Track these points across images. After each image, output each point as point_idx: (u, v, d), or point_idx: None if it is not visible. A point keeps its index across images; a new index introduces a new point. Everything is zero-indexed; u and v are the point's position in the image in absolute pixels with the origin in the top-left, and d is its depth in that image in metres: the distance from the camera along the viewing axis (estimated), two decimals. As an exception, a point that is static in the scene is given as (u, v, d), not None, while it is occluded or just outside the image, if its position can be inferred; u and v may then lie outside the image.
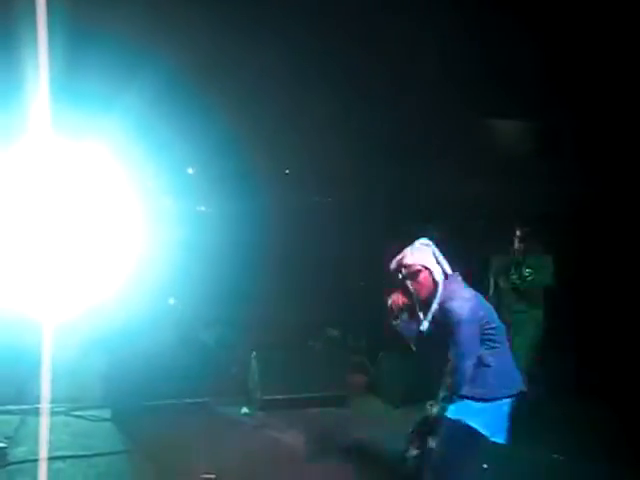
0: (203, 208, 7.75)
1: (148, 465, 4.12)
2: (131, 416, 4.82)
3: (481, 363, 3.13)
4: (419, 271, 3.22)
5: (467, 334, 3.09)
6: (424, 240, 3.34)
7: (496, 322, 3.21)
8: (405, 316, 3.42)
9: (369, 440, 4.80)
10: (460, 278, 3.27)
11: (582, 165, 6.41)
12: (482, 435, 3.09)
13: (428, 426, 3.24)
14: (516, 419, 3.26)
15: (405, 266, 3.23)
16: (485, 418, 3.10)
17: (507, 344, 3.27)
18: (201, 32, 5.49)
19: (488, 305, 3.30)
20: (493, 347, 3.15)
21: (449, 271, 3.26)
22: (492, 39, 5.85)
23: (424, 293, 3.22)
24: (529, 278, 5.14)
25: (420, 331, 3.32)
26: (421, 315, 3.30)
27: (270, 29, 5.78)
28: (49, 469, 3.79)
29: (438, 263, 3.26)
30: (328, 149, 6.92)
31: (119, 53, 5.23)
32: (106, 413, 4.88)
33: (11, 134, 5.00)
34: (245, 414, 5.12)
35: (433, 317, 3.26)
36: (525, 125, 7.40)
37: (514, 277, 5.18)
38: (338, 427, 5.02)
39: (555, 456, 4.57)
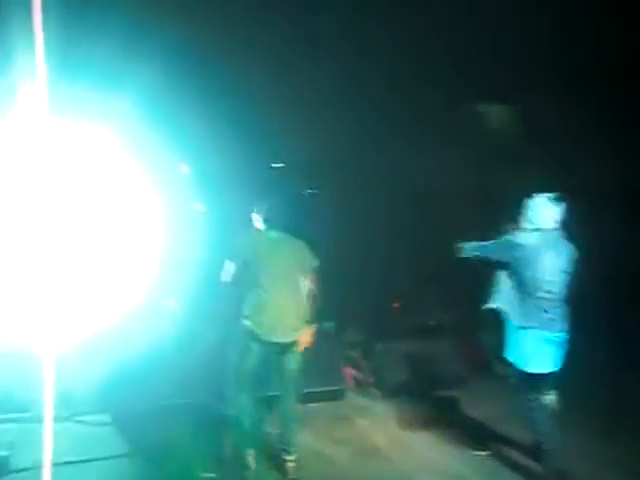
0: (199, 206, 7.72)
1: (149, 467, 4.19)
2: (131, 419, 4.85)
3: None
4: None
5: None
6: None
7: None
8: None
9: (369, 432, 4.88)
10: None
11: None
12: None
13: None
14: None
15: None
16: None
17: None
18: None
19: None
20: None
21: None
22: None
23: None
24: None
25: None
26: None
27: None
28: (52, 475, 3.85)
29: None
30: (317, 139, 6.89)
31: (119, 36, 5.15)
32: (106, 417, 4.92)
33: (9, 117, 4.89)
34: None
35: None
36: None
37: None
38: (338, 420, 5.08)
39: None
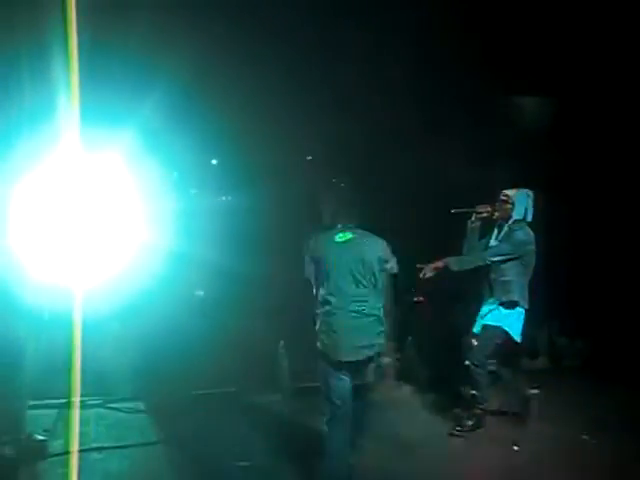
0: (228, 198, 7.76)
1: (182, 455, 4.21)
2: (164, 407, 4.90)
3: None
4: (505, 201, 4.75)
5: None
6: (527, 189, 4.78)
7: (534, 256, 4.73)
8: (478, 223, 4.84)
9: (400, 424, 4.84)
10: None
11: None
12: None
13: None
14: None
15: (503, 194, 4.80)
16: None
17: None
18: (212, 40, 5.50)
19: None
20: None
21: (529, 218, 4.72)
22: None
23: (501, 216, 4.77)
24: None
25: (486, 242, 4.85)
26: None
27: (277, 28, 5.76)
28: (86, 460, 3.94)
29: (524, 207, 4.70)
30: (342, 134, 6.84)
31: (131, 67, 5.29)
32: (140, 405, 4.98)
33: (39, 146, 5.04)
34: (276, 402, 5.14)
35: (497, 237, 4.79)
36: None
37: None
38: (370, 413, 5.03)
39: (584, 437, 4.55)
